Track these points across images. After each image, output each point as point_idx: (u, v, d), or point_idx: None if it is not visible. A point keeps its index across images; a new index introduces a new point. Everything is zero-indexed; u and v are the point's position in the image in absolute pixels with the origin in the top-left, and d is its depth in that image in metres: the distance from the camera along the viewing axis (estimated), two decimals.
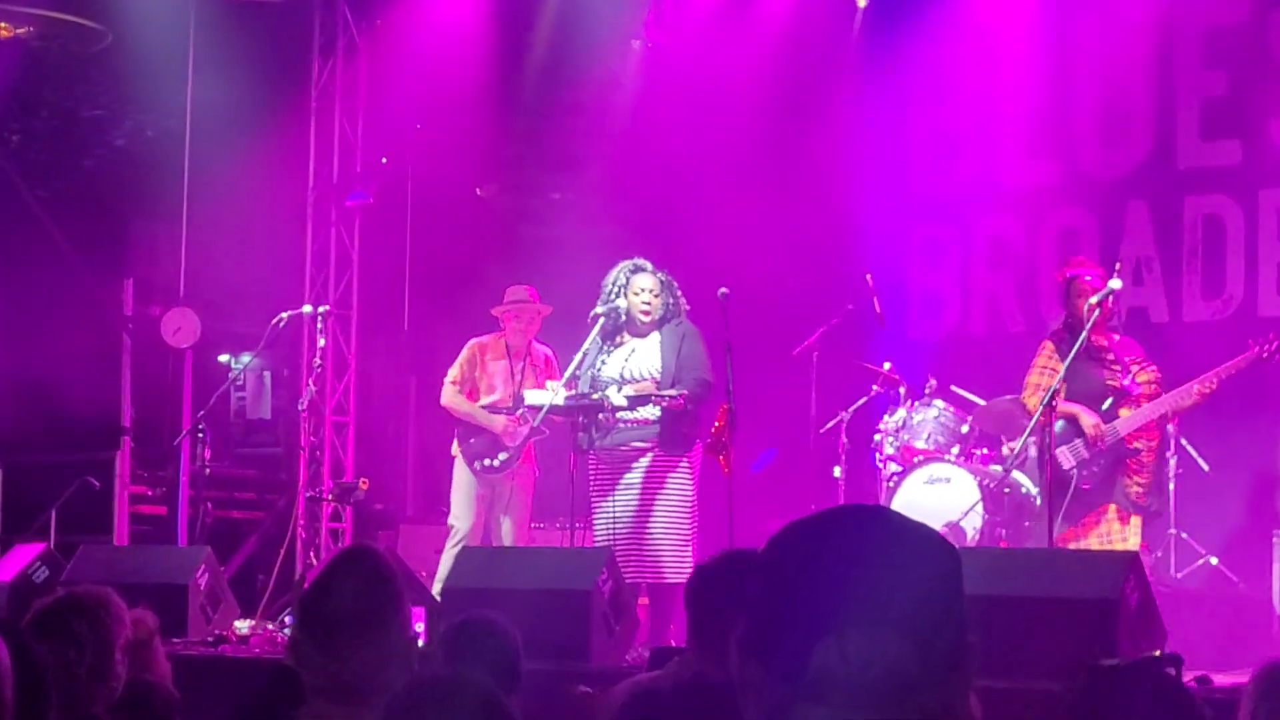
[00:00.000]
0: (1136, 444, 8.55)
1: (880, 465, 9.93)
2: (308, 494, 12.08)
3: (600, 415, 8.72)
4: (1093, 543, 8.59)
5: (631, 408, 8.67)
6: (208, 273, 12.36)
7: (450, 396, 9.91)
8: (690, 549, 8.60)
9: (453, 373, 9.95)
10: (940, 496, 9.39)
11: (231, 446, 13.19)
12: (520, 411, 9.51)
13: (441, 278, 12.94)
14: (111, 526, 11.93)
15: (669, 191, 12.14)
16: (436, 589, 8.54)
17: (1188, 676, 4.45)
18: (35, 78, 12.96)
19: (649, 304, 8.84)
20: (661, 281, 8.88)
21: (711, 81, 11.99)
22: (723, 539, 8.20)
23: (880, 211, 11.69)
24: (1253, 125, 10.66)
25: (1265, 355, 8.39)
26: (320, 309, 11.11)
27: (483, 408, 9.80)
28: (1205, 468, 9.55)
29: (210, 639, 8.40)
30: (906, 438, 9.84)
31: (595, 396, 8.74)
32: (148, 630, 4.97)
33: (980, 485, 9.31)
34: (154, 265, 12.51)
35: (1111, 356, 8.59)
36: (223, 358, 13.20)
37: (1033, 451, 8.71)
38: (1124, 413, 8.54)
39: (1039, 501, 9.01)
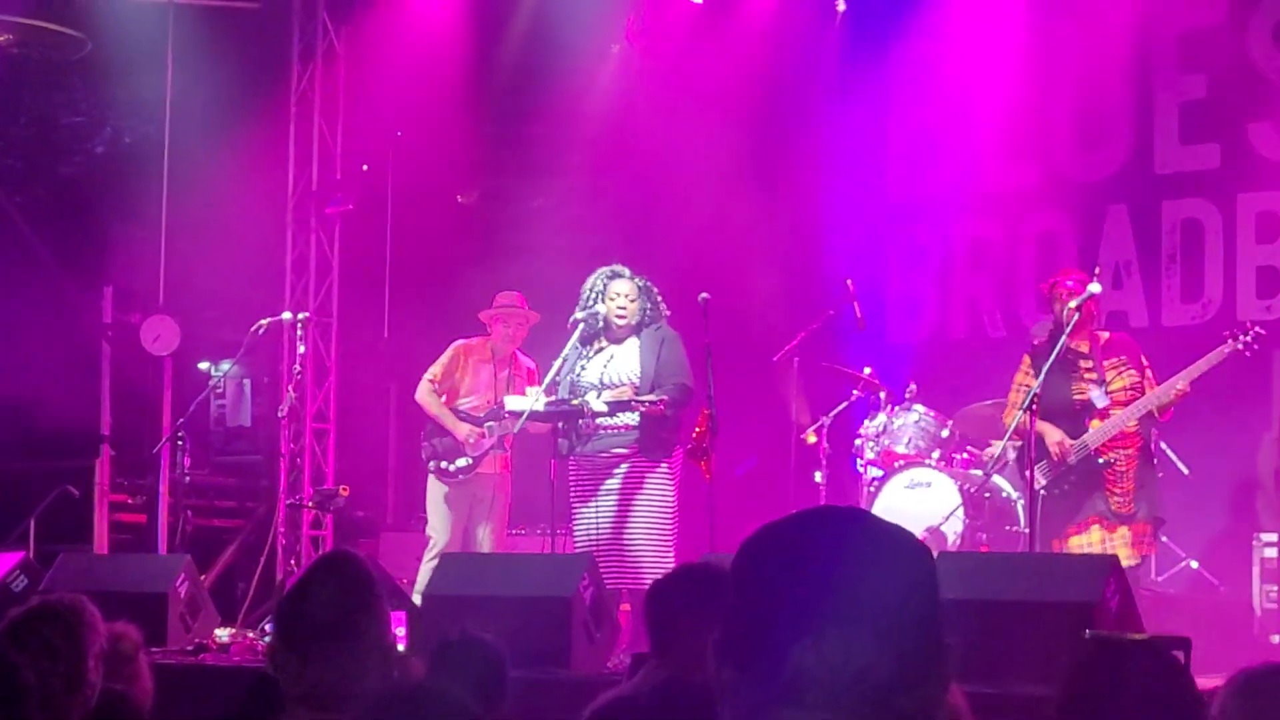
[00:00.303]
0: (1108, 456, 8.38)
1: (861, 470, 9.93)
2: (288, 501, 12.04)
3: (580, 421, 8.71)
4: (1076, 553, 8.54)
5: (611, 413, 8.67)
6: (187, 280, 12.31)
7: (425, 394, 9.90)
8: (671, 554, 8.58)
9: (433, 370, 9.93)
10: (921, 501, 9.40)
11: (211, 454, 13.15)
12: (488, 426, 9.54)
13: (422, 284, 12.92)
14: (91, 535, 11.90)
15: (649, 197, 12.14)
16: (417, 598, 8.51)
17: None
18: (14, 84, 12.93)
19: (624, 309, 8.84)
20: (639, 287, 8.88)
21: (691, 87, 12.00)
22: (704, 544, 8.20)
23: (860, 216, 11.71)
24: (1231, 129, 10.68)
25: (1243, 347, 8.35)
26: (300, 316, 11.07)
27: (459, 410, 9.78)
28: (1185, 471, 9.56)
29: (190, 647, 8.35)
30: (887, 442, 9.85)
31: (575, 402, 8.73)
32: (133, 644, 4.91)
33: (961, 490, 9.32)
34: (133, 272, 12.45)
35: (1089, 365, 8.49)
36: (202, 365, 13.15)
37: (1011, 455, 8.70)
38: (1094, 424, 8.46)
39: (1020, 506, 9.01)
